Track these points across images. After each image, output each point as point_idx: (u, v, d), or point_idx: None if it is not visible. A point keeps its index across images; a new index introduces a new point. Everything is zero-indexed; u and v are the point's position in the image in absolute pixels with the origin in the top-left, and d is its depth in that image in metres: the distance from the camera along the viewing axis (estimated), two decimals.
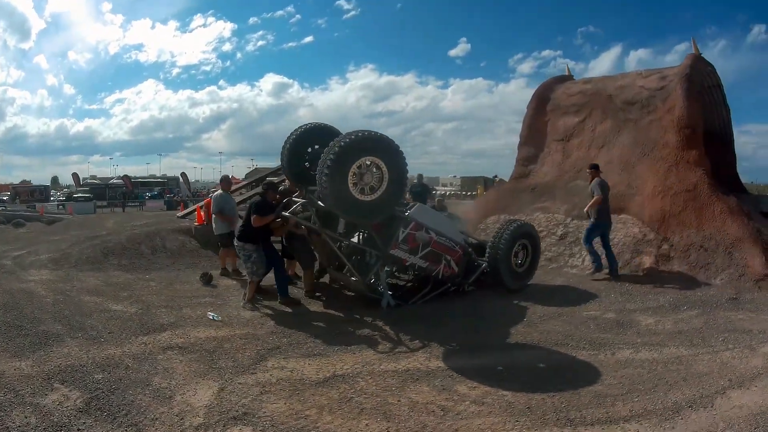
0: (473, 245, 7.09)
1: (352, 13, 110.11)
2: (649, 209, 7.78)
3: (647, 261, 7.25)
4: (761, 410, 3.29)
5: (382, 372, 4.12)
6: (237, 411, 3.41)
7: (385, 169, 5.48)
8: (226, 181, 8.48)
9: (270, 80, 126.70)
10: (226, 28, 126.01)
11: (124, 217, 16.98)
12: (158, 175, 54.11)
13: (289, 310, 5.97)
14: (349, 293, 6.81)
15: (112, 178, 47.65)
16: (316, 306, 6.24)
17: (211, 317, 5.56)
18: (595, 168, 7.61)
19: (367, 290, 6.12)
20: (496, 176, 32.60)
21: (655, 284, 6.75)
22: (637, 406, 3.42)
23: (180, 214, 14.00)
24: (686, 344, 4.68)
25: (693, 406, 3.41)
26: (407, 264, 6.11)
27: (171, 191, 39.00)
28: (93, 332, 4.90)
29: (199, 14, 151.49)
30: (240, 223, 6.63)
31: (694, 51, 9.08)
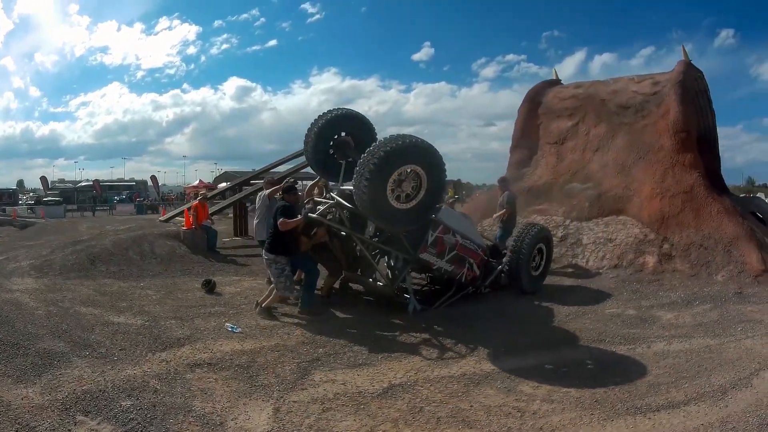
0: (488, 247, 7.60)
1: (317, 16, 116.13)
2: (648, 210, 8.71)
3: (651, 260, 8.15)
4: None
5: (438, 378, 4.42)
6: None
7: (424, 178, 5.69)
8: (271, 183, 8.33)
9: (233, 84, 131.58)
10: (190, 31, 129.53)
11: (97, 222, 17.05)
12: (122, 178, 56.24)
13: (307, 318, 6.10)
14: (366, 297, 7.13)
15: (80, 181, 48.89)
16: (335, 312, 6.44)
17: (229, 329, 5.57)
18: (503, 182, 8.90)
19: (393, 294, 6.41)
20: (459, 180, 34.00)
21: (662, 282, 7.68)
22: (690, 391, 4.07)
23: (163, 218, 14.22)
24: (710, 335, 5.49)
25: (736, 387, 4.12)
26: (434, 267, 6.47)
27: (140, 195, 39.87)
28: (102, 349, 4.75)
29: (164, 17, 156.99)
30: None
31: (684, 58, 10.17)
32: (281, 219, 5.84)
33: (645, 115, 9.71)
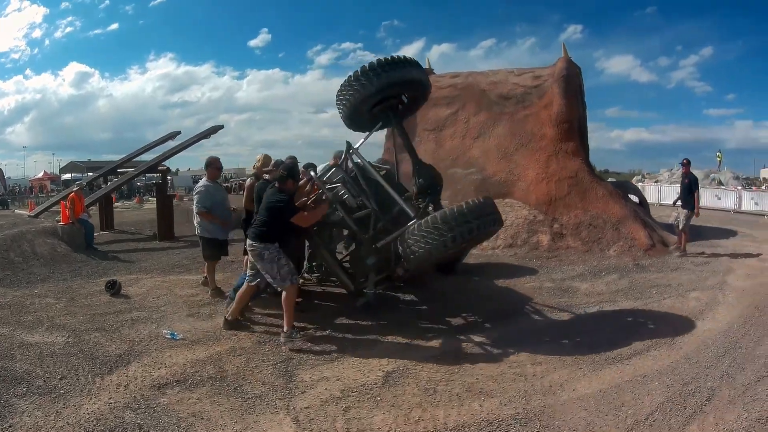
0: None
1: None
2: (535, 194, 10.42)
3: (544, 239, 9.82)
4: (724, 328, 5.71)
5: (424, 359, 4.92)
6: None
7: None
8: (214, 166, 7.31)
9: (73, 69, 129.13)
10: (38, 12, 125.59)
11: None
12: None
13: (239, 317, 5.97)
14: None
15: None
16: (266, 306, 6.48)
17: (168, 336, 5.47)
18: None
19: (354, 289, 6.48)
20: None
21: (560, 258, 9.34)
22: (645, 342, 5.31)
23: (32, 212, 14.20)
24: (631, 299, 7.02)
25: (679, 334, 5.54)
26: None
27: None
28: (38, 381, 4.33)
29: None
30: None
31: (564, 54, 12.20)
32: (301, 213, 5.47)
33: (526, 106, 11.54)
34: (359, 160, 6.73)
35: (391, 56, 6.17)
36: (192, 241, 12.02)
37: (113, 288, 7.25)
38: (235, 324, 5.78)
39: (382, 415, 3.89)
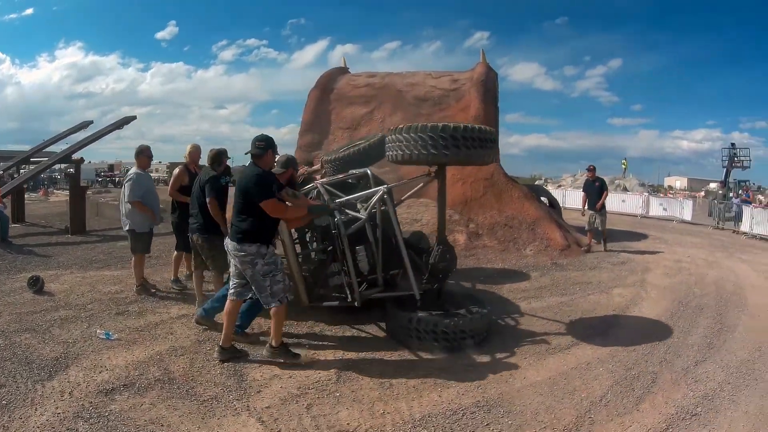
0: None
1: None
2: (451, 194, 10.70)
3: (461, 238, 10.20)
4: (653, 320, 6.36)
5: (372, 355, 5.02)
6: None
7: None
8: (145, 154, 7.06)
9: None
10: None
11: None
12: None
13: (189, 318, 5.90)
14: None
15: None
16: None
17: (103, 336, 5.32)
18: None
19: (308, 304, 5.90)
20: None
21: (478, 256, 9.74)
22: (581, 332, 5.77)
23: None
24: (557, 294, 7.49)
25: (609, 325, 6.11)
26: None
27: None
28: None
29: None
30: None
31: (482, 60, 12.79)
32: (272, 200, 4.49)
33: (443, 108, 11.98)
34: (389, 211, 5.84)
35: (479, 127, 5.39)
36: (105, 235, 11.85)
37: (36, 285, 7.06)
38: (234, 351, 4.88)
39: (346, 411, 3.94)
